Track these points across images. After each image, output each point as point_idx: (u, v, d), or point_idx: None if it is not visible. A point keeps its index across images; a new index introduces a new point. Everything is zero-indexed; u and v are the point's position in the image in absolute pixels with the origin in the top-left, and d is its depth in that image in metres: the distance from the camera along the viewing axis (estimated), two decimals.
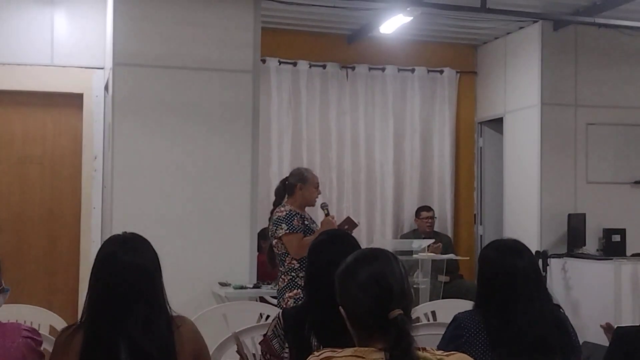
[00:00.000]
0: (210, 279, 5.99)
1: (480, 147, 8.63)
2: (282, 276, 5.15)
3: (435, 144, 8.45)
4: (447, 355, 1.94)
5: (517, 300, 2.75)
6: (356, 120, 8.23)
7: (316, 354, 1.93)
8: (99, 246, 2.73)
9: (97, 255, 2.67)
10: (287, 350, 2.78)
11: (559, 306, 2.94)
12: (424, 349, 1.94)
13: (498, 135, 8.36)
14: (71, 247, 6.83)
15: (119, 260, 2.60)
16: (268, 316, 4.32)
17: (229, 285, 5.84)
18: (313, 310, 2.74)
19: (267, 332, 2.87)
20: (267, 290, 5.80)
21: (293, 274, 5.07)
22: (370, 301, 1.95)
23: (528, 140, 7.67)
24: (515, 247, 2.89)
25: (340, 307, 2.04)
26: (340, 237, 2.98)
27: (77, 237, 6.83)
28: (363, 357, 1.89)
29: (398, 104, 8.36)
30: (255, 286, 5.91)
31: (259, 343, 2.95)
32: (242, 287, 5.76)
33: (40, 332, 2.76)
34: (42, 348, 2.69)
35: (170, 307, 2.66)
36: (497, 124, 8.34)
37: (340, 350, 1.93)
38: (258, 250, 6.51)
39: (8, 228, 6.74)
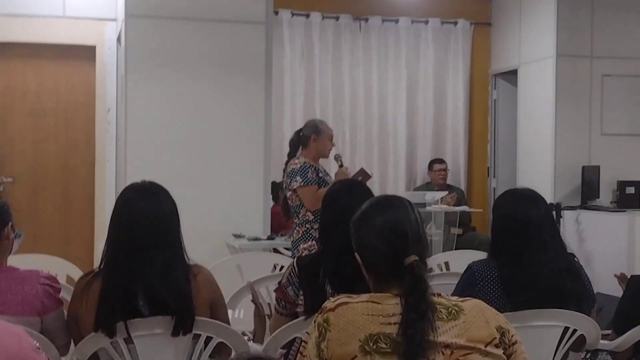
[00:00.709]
0: (224, 231, 6.02)
1: (494, 100, 8.56)
2: (297, 228, 5.17)
3: (449, 97, 8.39)
4: (462, 301, 1.95)
5: (531, 248, 2.76)
6: (369, 73, 8.17)
7: (332, 299, 1.95)
8: (114, 198, 2.75)
9: (116, 202, 2.69)
10: (301, 297, 2.80)
11: (573, 255, 2.94)
12: (439, 295, 1.95)
13: (512, 88, 8.28)
14: (85, 199, 6.88)
15: (137, 207, 2.62)
16: (282, 267, 4.34)
17: (243, 236, 5.86)
18: (327, 259, 2.75)
19: (281, 280, 2.89)
20: (281, 242, 5.82)
21: (307, 225, 5.09)
22: (386, 247, 1.96)
23: (543, 93, 7.60)
24: (530, 196, 2.89)
25: (355, 253, 2.05)
26: (354, 186, 2.98)
27: (91, 189, 6.87)
28: (379, 303, 1.91)
29: (411, 56, 8.28)
30: (269, 238, 5.94)
31: (274, 290, 2.98)
32: (256, 239, 5.79)
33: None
34: (60, 295, 2.73)
35: (187, 256, 2.68)
36: (511, 76, 8.26)
37: (356, 296, 1.94)
38: (274, 200, 6.54)
39: (23, 180, 6.79)
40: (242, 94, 6.18)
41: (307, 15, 7.98)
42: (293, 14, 7.92)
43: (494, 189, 8.50)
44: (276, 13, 7.44)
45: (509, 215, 2.83)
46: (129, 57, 5.99)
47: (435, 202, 7.00)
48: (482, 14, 8.52)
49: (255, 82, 6.20)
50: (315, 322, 1.93)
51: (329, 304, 1.94)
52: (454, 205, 7.26)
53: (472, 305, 1.94)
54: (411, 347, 1.81)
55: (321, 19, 8.01)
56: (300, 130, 5.45)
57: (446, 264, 4.63)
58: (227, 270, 4.35)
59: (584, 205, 7.15)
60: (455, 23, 8.39)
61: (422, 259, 1.95)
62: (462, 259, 4.10)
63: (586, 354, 3.70)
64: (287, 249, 5.64)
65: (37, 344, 1.88)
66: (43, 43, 6.74)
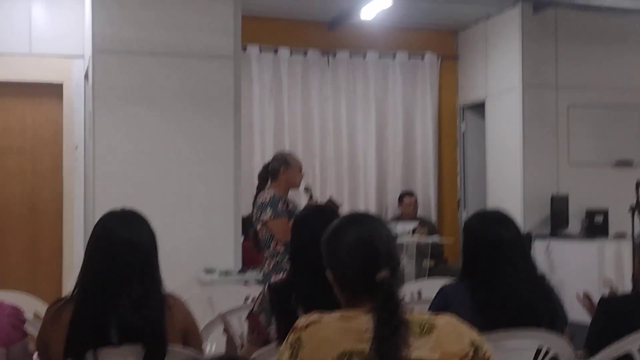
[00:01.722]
0: (196, 266, 5.96)
1: (463, 132, 8.64)
2: (268, 260, 5.14)
3: (418, 130, 8.46)
4: (435, 316, 1.93)
5: (502, 268, 2.76)
6: (338, 107, 8.22)
7: (304, 317, 1.92)
8: (82, 235, 2.72)
9: (94, 228, 2.65)
10: (274, 324, 2.77)
11: (544, 276, 2.94)
12: (412, 311, 1.93)
13: (480, 120, 8.37)
14: (54, 238, 6.79)
15: (114, 235, 2.58)
16: (254, 298, 4.29)
17: (215, 271, 5.81)
18: (299, 284, 2.73)
19: (253, 308, 2.86)
20: (252, 275, 5.78)
21: (278, 257, 5.06)
22: (357, 263, 1.94)
23: (510, 123, 7.69)
24: (500, 217, 2.89)
25: (327, 270, 2.03)
26: (323, 211, 2.97)
27: (59, 227, 6.78)
28: (350, 319, 1.88)
29: (380, 90, 8.36)
30: (241, 271, 5.89)
31: (246, 318, 2.94)
32: (227, 273, 5.74)
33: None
34: (24, 327, 2.67)
35: (163, 286, 2.64)
36: (479, 108, 8.35)
37: (328, 313, 1.92)
38: (243, 235, 6.50)
39: None
40: (211, 129, 6.17)
41: (276, 51, 8.03)
42: (261, 50, 7.97)
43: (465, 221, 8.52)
44: (244, 49, 7.48)
45: (480, 236, 2.83)
46: (96, 94, 5.97)
47: (406, 233, 7.00)
48: (449, 47, 8.63)
49: (224, 117, 6.20)
50: (287, 341, 1.91)
51: (301, 321, 1.92)
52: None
53: (446, 321, 1.93)
54: None
55: (289, 55, 8.07)
56: (269, 163, 5.44)
57: (419, 292, 4.61)
58: (198, 303, 4.29)
59: (553, 235, 7.20)
60: (423, 56, 8.49)
61: (394, 275, 1.94)
62: (434, 287, 4.08)
63: None
64: (259, 282, 5.59)
65: None
66: (9, 81, 6.69)
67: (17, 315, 2.60)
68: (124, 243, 2.57)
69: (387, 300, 1.86)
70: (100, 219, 2.69)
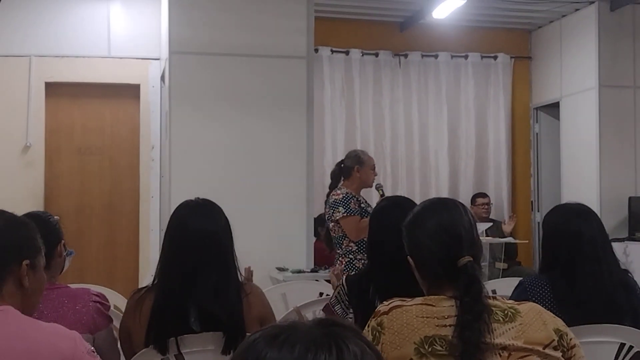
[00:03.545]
0: (268, 265, 6.00)
1: (537, 133, 8.51)
2: (340, 259, 5.15)
3: (491, 131, 8.37)
4: (518, 304, 1.91)
5: (583, 263, 2.71)
6: (409, 108, 8.19)
7: (385, 303, 1.93)
8: (158, 234, 2.77)
9: (170, 219, 2.71)
10: (350, 315, 2.78)
11: (627, 271, 2.88)
12: (495, 297, 1.92)
13: (554, 121, 8.23)
14: (130, 236, 6.94)
15: (191, 224, 2.63)
16: (327, 294, 4.30)
17: (287, 269, 5.85)
18: (376, 275, 2.73)
19: (330, 299, 2.87)
20: (324, 274, 5.78)
21: (351, 256, 5.06)
22: (440, 249, 1.94)
23: (586, 124, 7.54)
24: (581, 210, 2.85)
25: (408, 256, 2.03)
26: (401, 202, 2.96)
27: (136, 226, 6.93)
28: (433, 305, 1.88)
29: (452, 91, 8.30)
30: (313, 270, 5.92)
31: (322, 310, 2.96)
32: (299, 271, 5.77)
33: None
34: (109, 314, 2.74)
35: (240, 274, 2.68)
36: (553, 109, 8.21)
37: (410, 299, 1.92)
38: (315, 236, 6.52)
39: (69, 218, 6.87)
40: (284, 129, 6.22)
41: (347, 52, 8.06)
42: (333, 51, 8.00)
43: (539, 223, 8.39)
44: (316, 50, 7.52)
45: (560, 229, 2.79)
46: (172, 94, 6.08)
47: (480, 234, 6.92)
48: (522, 48, 8.52)
49: (296, 117, 6.24)
50: (369, 326, 1.91)
51: (382, 307, 1.92)
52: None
53: (529, 308, 1.91)
54: (468, 348, 1.78)
55: (361, 56, 8.08)
56: (342, 161, 5.45)
57: (493, 291, 4.55)
58: (272, 299, 4.31)
59: (631, 237, 7.02)
60: (495, 57, 8.40)
61: (476, 261, 1.93)
62: (510, 287, 4.03)
63: None
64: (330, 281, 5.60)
65: (92, 348, 1.89)
66: (89, 82, 6.88)
67: (102, 302, 2.67)
68: (199, 232, 2.61)
69: (470, 286, 1.86)
70: (175, 210, 2.74)
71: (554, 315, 1.94)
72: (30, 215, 2.67)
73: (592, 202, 7.35)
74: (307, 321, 0.99)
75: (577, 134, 7.73)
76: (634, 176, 7.39)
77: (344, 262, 5.10)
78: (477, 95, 8.34)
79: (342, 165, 5.39)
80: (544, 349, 1.84)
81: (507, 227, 7.49)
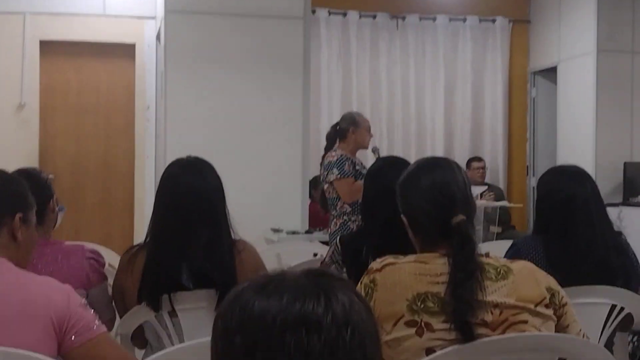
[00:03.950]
0: (263, 226, 6.02)
1: (533, 98, 8.48)
2: (334, 220, 5.15)
3: (487, 95, 8.34)
4: (511, 262, 1.92)
5: (577, 223, 2.71)
6: (406, 71, 8.15)
7: (378, 260, 1.93)
8: (153, 195, 2.74)
9: (161, 177, 2.70)
10: (344, 275, 2.78)
11: (620, 233, 2.89)
12: (487, 255, 1.92)
13: (552, 85, 8.20)
14: (126, 196, 6.94)
15: (182, 181, 2.62)
16: (322, 255, 4.31)
17: (282, 231, 5.87)
18: (371, 235, 2.73)
19: (324, 259, 2.88)
20: (319, 236, 5.80)
21: (345, 217, 5.07)
22: (433, 207, 1.94)
23: (583, 89, 7.51)
24: (576, 172, 2.85)
25: (402, 215, 2.03)
26: (396, 162, 2.95)
27: (131, 185, 6.93)
28: (426, 263, 1.89)
29: (449, 54, 8.25)
30: (307, 232, 5.93)
31: None
32: (294, 233, 5.79)
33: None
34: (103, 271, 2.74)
35: (233, 231, 2.67)
36: (550, 73, 8.18)
37: (403, 257, 1.92)
38: (309, 198, 6.53)
39: (64, 177, 6.87)
40: (280, 90, 6.19)
41: (345, 14, 7.99)
42: (330, 13, 7.94)
43: (534, 187, 8.40)
44: (313, 12, 7.45)
45: (555, 190, 2.78)
46: (168, 54, 6.04)
47: (474, 197, 6.93)
48: (521, 11, 8.46)
49: (293, 78, 6.21)
50: (361, 283, 1.92)
51: (375, 264, 1.92)
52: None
53: (522, 266, 1.92)
54: (460, 306, 1.79)
55: (358, 18, 8.02)
56: (337, 123, 5.43)
57: (487, 254, 4.55)
58: (266, 260, 4.32)
59: (626, 202, 7.04)
60: (494, 21, 8.34)
61: (470, 220, 1.93)
62: (503, 250, 4.04)
63: (633, 337, 3.65)
64: (325, 242, 5.62)
65: (85, 302, 1.90)
66: (84, 41, 6.82)
67: (96, 258, 2.67)
68: (190, 189, 2.59)
69: (463, 244, 1.86)
70: (166, 167, 2.73)
71: (546, 274, 1.95)
72: (20, 172, 2.67)
73: (588, 166, 7.26)
74: (296, 271, 0.99)
75: (574, 99, 7.70)
76: (629, 141, 7.39)
77: (338, 224, 5.10)
78: (474, 58, 8.29)
79: (338, 127, 5.37)
80: (535, 307, 1.85)
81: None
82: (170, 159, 5.94)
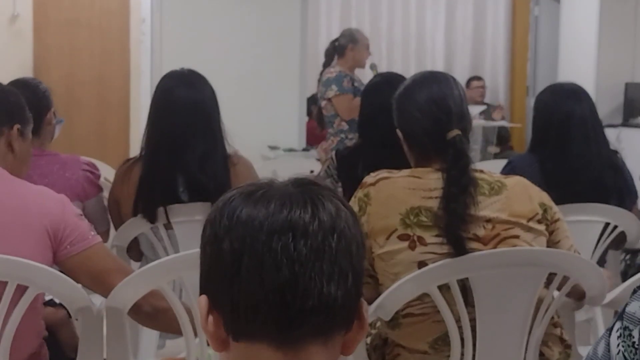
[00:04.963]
0: (260, 143, 6.02)
1: (536, 16, 8.35)
2: (332, 137, 5.14)
3: (489, 13, 8.22)
4: (505, 177, 1.92)
5: (572, 142, 2.71)
6: None
7: (372, 174, 1.93)
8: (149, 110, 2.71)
9: (155, 89, 2.68)
10: (339, 189, 2.79)
11: (616, 152, 2.89)
12: (482, 171, 1.92)
13: (555, 4, 8.05)
14: (120, 111, 6.88)
15: (176, 94, 2.59)
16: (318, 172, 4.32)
17: (279, 148, 5.87)
18: (366, 151, 2.73)
19: (319, 173, 2.88)
20: (316, 154, 5.81)
21: (342, 135, 5.05)
22: (429, 122, 1.92)
23: (586, 8, 7.37)
24: (573, 90, 2.83)
25: (397, 129, 2.02)
26: (394, 79, 2.92)
27: (126, 100, 6.87)
28: (420, 177, 1.88)
29: None
30: (305, 149, 5.93)
31: None
32: (291, 150, 5.79)
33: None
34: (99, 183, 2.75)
35: (228, 144, 2.66)
36: None
37: (397, 171, 1.92)
38: (308, 115, 6.51)
39: (59, 90, 6.78)
40: (279, 7, 6.10)
41: None
42: None
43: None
44: None
45: (551, 108, 2.77)
46: None
47: (473, 117, 6.91)
48: None
49: None
50: (355, 197, 1.92)
51: (369, 178, 1.92)
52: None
53: (516, 182, 1.92)
54: (452, 220, 1.79)
55: None
56: (336, 40, 5.37)
57: (481, 171, 4.55)
58: (262, 175, 4.34)
59: (625, 123, 7.02)
60: None
61: (465, 134, 1.92)
62: (500, 168, 4.05)
63: (625, 256, 3.69)
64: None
65: (80, 212, 1.90)
66: None
67: (92, 170, 2.67)
68: (184, 101, 2.58)
69: (457, 159, 1.85)
70: (160, 80, 2.71)
71: (540, 190, 1.95)
72: (19, 82, 2.64)
73: (589, 87, 7.16)
74: (284, 180, 0.99)
75: (578, 17, 7.58)
76: (632, 62, 7.31)
77: (335, 141, 5.10)
78: None
79: (336, 43, 5.31)
80: (527, 222, 1.85)
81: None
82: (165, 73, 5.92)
